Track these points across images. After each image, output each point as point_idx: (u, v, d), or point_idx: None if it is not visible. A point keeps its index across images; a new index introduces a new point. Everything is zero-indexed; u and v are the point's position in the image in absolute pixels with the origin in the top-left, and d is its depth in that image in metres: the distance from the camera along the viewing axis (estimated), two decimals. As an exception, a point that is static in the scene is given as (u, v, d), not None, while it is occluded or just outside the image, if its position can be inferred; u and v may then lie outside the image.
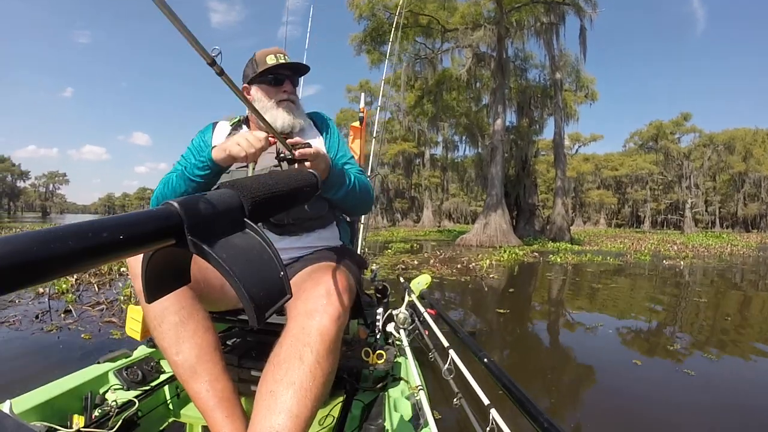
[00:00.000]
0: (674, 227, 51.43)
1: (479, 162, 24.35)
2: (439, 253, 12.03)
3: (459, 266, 8.50)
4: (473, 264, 8.82)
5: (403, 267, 8.19)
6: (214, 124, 1.58)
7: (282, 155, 1.08)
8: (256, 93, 1.48)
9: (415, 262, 9.04)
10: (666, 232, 42.83)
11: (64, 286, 4.78)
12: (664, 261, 11.08)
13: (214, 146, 1.24)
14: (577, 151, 56.03)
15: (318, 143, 1.50)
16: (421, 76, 21.54)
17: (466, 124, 22.99)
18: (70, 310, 3.87)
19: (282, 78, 1.47)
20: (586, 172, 53.41)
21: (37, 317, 3.67)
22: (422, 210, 42.25)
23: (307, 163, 1.07)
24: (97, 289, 4.97)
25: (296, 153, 1.05)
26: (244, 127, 1.55)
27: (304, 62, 1.50)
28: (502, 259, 10.45)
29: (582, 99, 22.54)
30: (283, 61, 1.44)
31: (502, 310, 4.61)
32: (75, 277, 5.39)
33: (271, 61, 1.44)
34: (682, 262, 10.75)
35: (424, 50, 20.68)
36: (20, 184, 70.21)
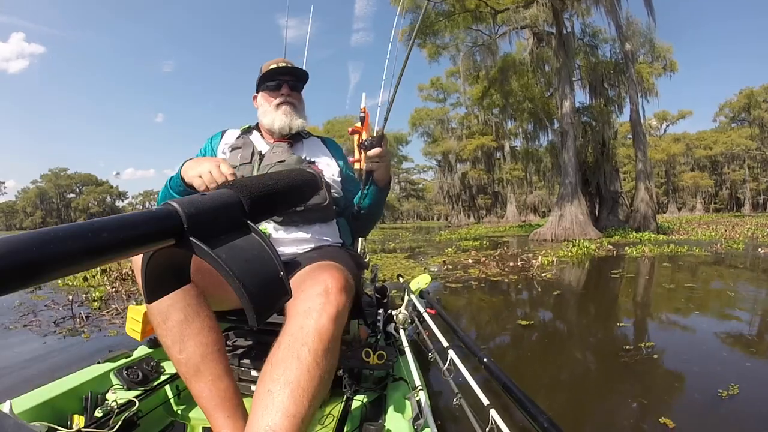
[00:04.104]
0: (778, 209, 44.90)
1: (552, 149, 22.67)
2: (501, 250, 11.33)
3: (512, 264, 7.86)
4: (534, 261, 8.10)
5: (451, 267, 7.78)
6: (223, 132, 1.66)
7: (365, 143, 1.30)
8: (260, 99, 1.62)
9: (470, 261, 8.60)
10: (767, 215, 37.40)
11: (97, 294, 5.01)
12: (760, 249, 9.51)
13: (189, 160, 1.23)
14: (665, 130, 50.96)
15: (326, 163, 1.64)
16: (484, 65, 20.37)
17: (530, 109, 21.46)
18: (83, 316, 4.11)
19: (281, 83, 1.59)
20: (677, 154, 47.47)
21: (55, 322, 3.98)
22: (506, 205, 40.40)
23: (377, 150, 1.39)
24: (126, 297, 5.07)
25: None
26: (255, 132, 1.64)
27: (304, 65, 1.65)
28: (569, 254, 9.63)
29: (659, 71, 20.09)
30: (281, 66, 1.59)
31: (524, 322, 3.81)
32: (116, 285, 5.59)
33: (271, 67, 1.59)
34: (780, 250, 9.14)
35: (481, 37, 19.68)
36: (119, 203, 79.37)
